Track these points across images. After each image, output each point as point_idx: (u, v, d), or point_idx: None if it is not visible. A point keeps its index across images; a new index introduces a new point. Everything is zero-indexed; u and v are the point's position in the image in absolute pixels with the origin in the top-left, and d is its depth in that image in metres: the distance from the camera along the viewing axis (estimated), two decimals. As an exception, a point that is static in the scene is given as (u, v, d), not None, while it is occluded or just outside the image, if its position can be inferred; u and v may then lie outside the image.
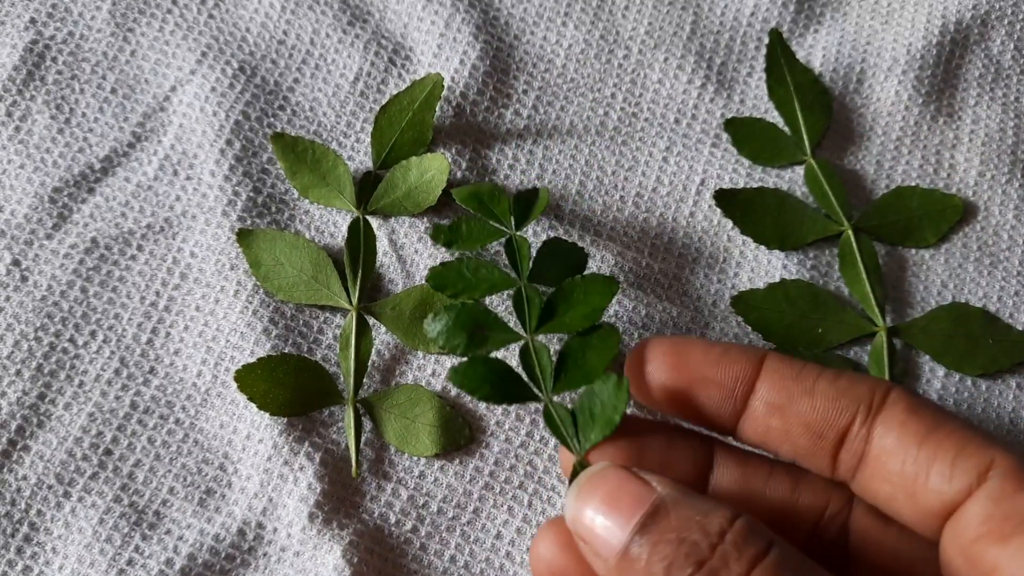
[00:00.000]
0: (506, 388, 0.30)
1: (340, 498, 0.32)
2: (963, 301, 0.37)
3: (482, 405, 0.34)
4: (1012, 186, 0.39)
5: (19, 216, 0.35)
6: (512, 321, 0.32)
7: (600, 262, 0.37)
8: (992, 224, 0.38)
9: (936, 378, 0.35)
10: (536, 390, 0.30)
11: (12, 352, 0.33)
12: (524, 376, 0.30)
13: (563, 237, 0.37)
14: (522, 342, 0.31)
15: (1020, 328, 0.36)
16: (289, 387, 0.33)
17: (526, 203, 0.35)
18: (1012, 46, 0.41)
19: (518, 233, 0.34)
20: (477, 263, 0.33)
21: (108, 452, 0.32)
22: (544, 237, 0.37)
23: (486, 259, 0.35)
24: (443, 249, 0.36)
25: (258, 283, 0.34)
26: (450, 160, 0.37)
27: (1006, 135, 0.40)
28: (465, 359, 0.30)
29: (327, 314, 0.35)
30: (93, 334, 0.34)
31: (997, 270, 0.37)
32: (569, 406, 0.29)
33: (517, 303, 0.32)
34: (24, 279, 0.34)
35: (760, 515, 0.24)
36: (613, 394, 0.29)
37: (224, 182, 0.36)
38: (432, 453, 0.33)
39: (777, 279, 0.36)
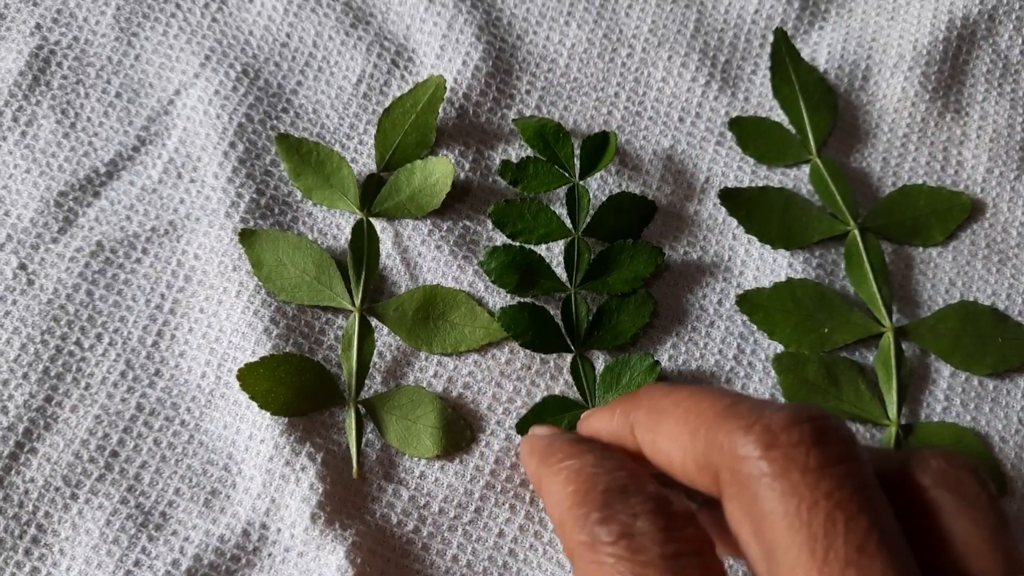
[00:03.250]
0: (545, 337, 0.34)
1: (342, 499, 0.32)
2: (972, 300, 0.36)
3: (483, 405, 0.34)
4: (1021, 183, 0.38)
5: (25, 220, 0.36)
6: (559, 269, 0.36)
7: (603, 262, 0.37)
8: (1001, 221, 0.38)
9: (943, 378, 0.35)
10: (569, 342, 0.34)
11: (19, 355, 0.34)
12: (562, 328, 0.34)
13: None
14: (566, 293, 0.35)
15: (1030, 326, 0.36)
16: (291, 387, 0.33)
17: (593, 151, 0.36)
18: (1020, 41, 0.41)
19: (581, 183, 0.36)
20: (539, 207, 0.36)
21: (114, 454, 0.33)
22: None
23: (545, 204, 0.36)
24: (445, 251, 0.36)
25: (260, 283, 0.35)
26: (453, 161, 0.37)
27: (1015, 131, 0.39)
28: (514, 303, 0.34)
29: (328, 315, 0.35)
30: (99, 337, 0.34)
31: (1006, 268, 0.37)
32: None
33: (568, 255, 0.35)
34: (30, 283, 0.35)
35: None
36: (644, 373, 0.33)
37: (227, 184, 0.36)
38: (433, 455, 0.33)
39: (783, 278, 0.36)
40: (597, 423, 0.28)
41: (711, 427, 0.23)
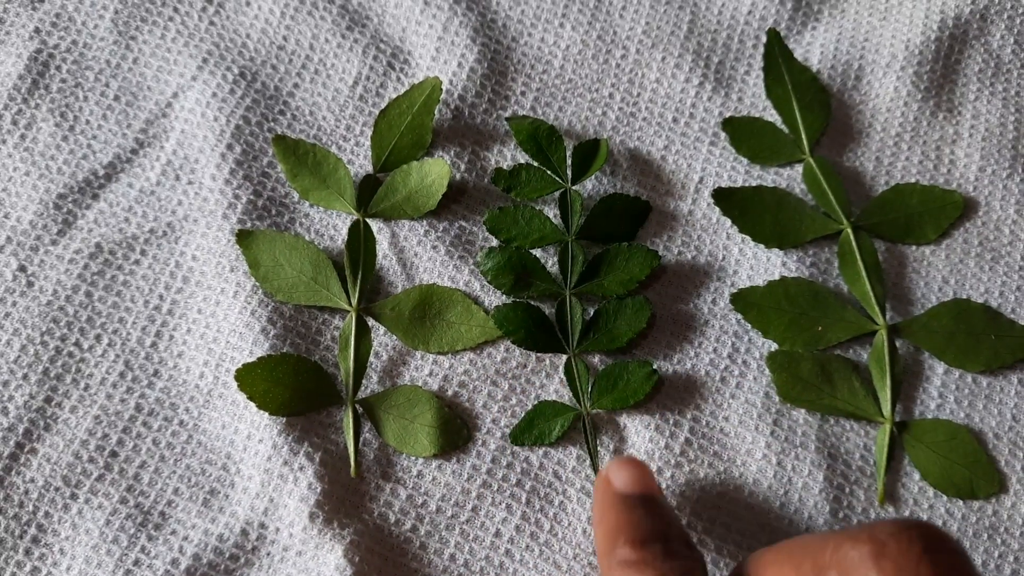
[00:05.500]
0: (539, 336, 0.34)
1: (340, 498, 0.32)
2: (964, 297, 0.37)
3: (478, 403, 0.34)
4: (1013, 181, 0.38)
5: (24, 222, 0.36)
6: (555, 271, 0.36)
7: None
8: (993, 219, 0.38)
9: (936, 375, 0.35)
10: (564, 343, 0.34)
11: (19, 356, 0.34)
12: (556, 329, 0.35)
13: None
14: (560, 296, 0.35)
15: (1022, 323, 0.36)
16: (288, 387, 0.33)
17: (585, 156, 0.37)
18: (1012, 40, 0.41)
19: (573, 188, 0.36)
20: (532, 212, 0.36)
21: (114, 454, 0.33)
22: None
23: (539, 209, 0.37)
24: (441, 251, 0.36)
25: (257, 284, 0.35)
26: (449, 162, 0.37)
27: (1007, 130, 0.39)
28: (509, 302, 0.35)
29: (325, 315, 0.35)
30: (98, 338, 0.34)
31: (999, 265, 0.37)
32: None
33: (562, 258, 0.35)
34: (30, 284, 0.35)
35: None
36: (641, 380, 0.34)
37: (225, 186, 0.36)
38: (430, 454, 0.33)
39: (776, 277, 0.36)
40: None
41: (816, 552, 0.22)
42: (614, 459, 0.30)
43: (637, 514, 0.28)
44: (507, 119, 0.38)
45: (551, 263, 0.36)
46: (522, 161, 0.38)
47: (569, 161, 0.37)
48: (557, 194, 0.37)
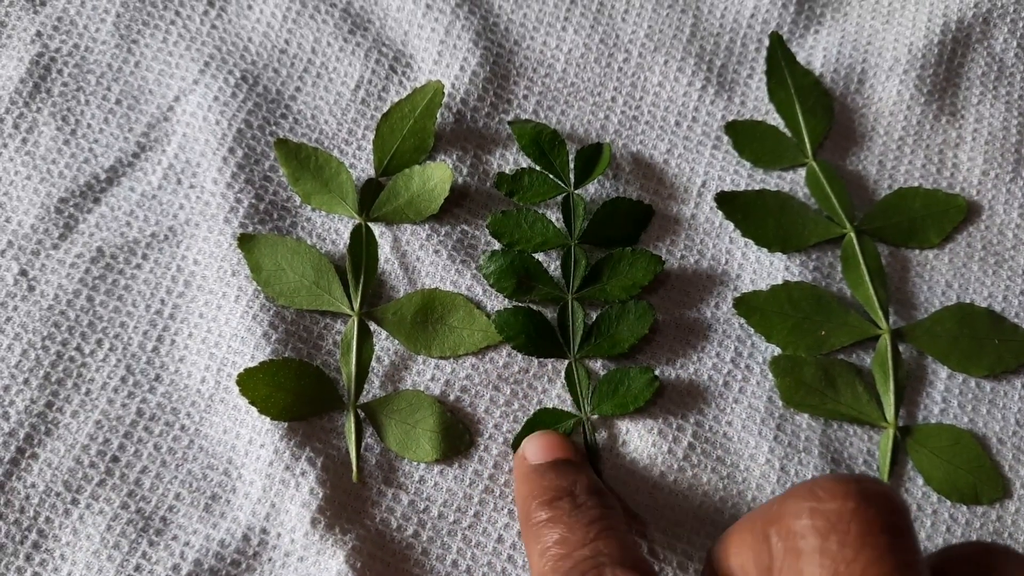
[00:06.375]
0: (540, 341, 0.34)
1: (342, 503, 0.32)
2: (968, 302, 0.37)
3: (480, 408, 0.34)
4: (1016, 185, 0.38)
5: (26, 226, 0.36)
6: (558, 274, 0.36)
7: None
8: (997, 223, 0.38)
9: (940, 380, 0.35)
10: (565, 348, 0.34)
11: (20, 361, 0.34)
12: (558, 334, 0.35)
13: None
14: (562, 300, 0.35)
15: (1026, 328, 0.36)
16: (290, 392, 0.33)
17: (587, 161, 0.37)
18: (1015, 44, 0.41)
19: (576, 192, 0.36)
20: (535, 216, 0.36)
21: (115, 459, 0.33)
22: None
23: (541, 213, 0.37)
24: (444, 255, 0.36)
25: (259, 288, 0.35)
26: (451, 166, 0.37)
27: (1010, 133, 0.39)
28: (510, 307, 0.34)
29: (327, 320, 0.35)
30: (99, 342, 0.34)
31: (1002, 269, 0.37)
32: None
33: (565, 262, 0.35)
34: (31, 288, 0.35)
35: None
36: (642, 387, 0.33)
37: (226, 189, 0.36)
38: (432, 459, 0.33)
39: (780, 281, 0.36)
40: None
41: (766, 510, 0.23)
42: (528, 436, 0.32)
43: (547, 478, 0.30)
44: (509, 123, 0.38)
45: (554, 267, 0.36)
46: (524, 165, 0.38)
47: (572, 165, 0.37)
48: (560, 198, 0.37)
